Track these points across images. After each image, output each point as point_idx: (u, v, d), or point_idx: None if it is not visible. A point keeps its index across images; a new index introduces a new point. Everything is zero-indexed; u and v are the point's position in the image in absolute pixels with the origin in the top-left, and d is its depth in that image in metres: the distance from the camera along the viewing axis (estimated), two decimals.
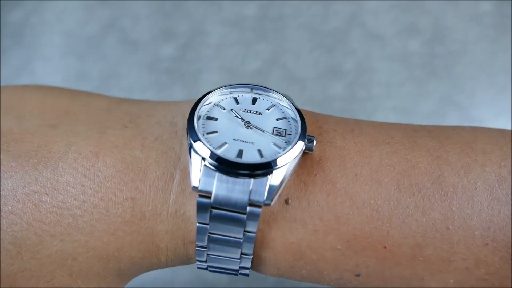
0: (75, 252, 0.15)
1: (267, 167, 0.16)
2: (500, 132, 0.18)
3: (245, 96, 0.18)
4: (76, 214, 0.15)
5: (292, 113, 0.18)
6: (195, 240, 0.16)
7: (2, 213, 0.15)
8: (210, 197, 0.15)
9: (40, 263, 0.15)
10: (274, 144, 0.17)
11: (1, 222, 0.15)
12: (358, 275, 0.17)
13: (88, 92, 0.20)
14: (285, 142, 0.17)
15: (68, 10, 0.52)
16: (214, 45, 0.49)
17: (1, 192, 0.15)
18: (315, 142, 0.17)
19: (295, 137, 0.17)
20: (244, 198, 0.15)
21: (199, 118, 0.17)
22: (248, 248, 0.17)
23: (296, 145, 0.16)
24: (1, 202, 0.15)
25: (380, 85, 0.47)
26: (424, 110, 0.45)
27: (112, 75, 0.49)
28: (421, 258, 0.16)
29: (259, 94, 0.19)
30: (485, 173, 0.16)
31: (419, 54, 0.47)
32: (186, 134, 0.16)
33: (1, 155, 0.16)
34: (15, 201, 0.16)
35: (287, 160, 0.16)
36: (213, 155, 0.15)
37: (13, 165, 0.16)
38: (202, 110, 0.17)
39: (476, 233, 0.16)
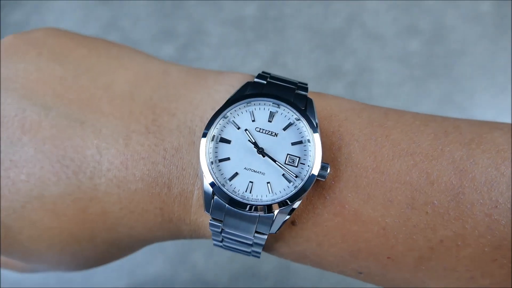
0: (123, 235, 0.19)
1: (272, 209, 0.16)
2: None
3: (262, 109, 0.17)
4: (119, 216, 0.18)
5: (309, 135, 0.17)
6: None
7: (57, 224, 0.18)
8: (221, 221, 0.17)
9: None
10: (285, 176, 0.16)
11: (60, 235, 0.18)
12: (360, 273, 0.17)
13: (113, 55, 0.20)
14: (296, 177, 0.16)
15: (68, 10, 0.52)
16: (214, 45, 0.49)
17: (49, 199, 0.17)
18: (328, 169, 0.16)
19: (307, 172, 0.16)
20: (249, 235, 0.17)
21: (212, 138, 0.17)
22: (257, 248, 0.18)
23: (308, 181, 0.16)
24: (52, 207, 0.17)
25: (380, 85, 0.47)
26: (424, 110, 0.45)
27: None
28: (424, 268, 0.16)
29: (278, 106, 0.17)
30: (510, 190, 0.15)
31: (419, 54, 0.47)
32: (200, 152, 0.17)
33: (41, 159, 0.17)
34: (65, 208, 0.17)
35: (295, 199, 0.16)
36: (222, 193, 0.16)
37: (56, 169, 0.17)
38: (217, 127, 0.17)
39: (486, 249, 0.15)
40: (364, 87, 0.47)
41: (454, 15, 0.48)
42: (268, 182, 0.16)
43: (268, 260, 0.42)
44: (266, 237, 0.17)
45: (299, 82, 0.19)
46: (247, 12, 0.50)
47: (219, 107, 0.17)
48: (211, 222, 0.17)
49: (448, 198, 0.16)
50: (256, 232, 0.17)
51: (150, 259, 0.43)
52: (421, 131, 0.17)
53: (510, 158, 0.16)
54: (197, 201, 0.18)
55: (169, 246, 0.43)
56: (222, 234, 0.17)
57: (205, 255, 0.43)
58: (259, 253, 0.18)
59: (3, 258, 0.22)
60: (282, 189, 0.16)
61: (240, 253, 0.19)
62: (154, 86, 0.19)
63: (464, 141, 0.16)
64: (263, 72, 0.19)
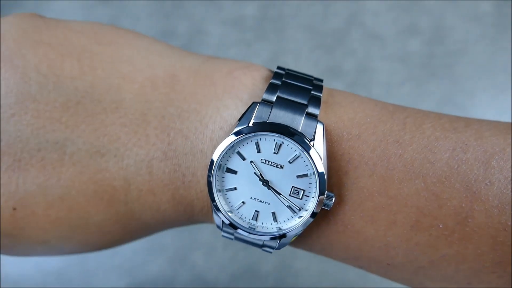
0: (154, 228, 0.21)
1: (278, 237, 0.18)
2: None
3: (267, 140, 0.17)
4: (156, 228, 0.21)
5: (314, 169, 0.16)
6: None
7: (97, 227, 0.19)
8: (232, 234, 0.19)
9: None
10: (289, 207, 0.17)
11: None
12: (361, 267, 0.19)
13: (110, 50, 0.19)
14: (300, 209, 0.17)
15: (68, 10, 0.52)
16: (214, 45, 0.49)
17: (93, 226, 0.19)
18: (333, 199, 0.16)
19: (311, 204, 0.17)
20: (257, 246, 0.19)
21: (219, 167, 0.17)
22: (268, 248, 0.20)
23: (308, 211, 0.17)
24: (98, 230, 0.19)
25: (380, 85, 0.47)
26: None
27: None
28: (423, 275, 0.16)
29: (284, 139, 0.17)
30: None
31: (419, 54, 0.47)
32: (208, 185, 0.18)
33: (75, 195, 0.18)
34: (109, 230, 0.19)
35: (299, 229, 0.17)
36: (233, 224, 0.18)
37: (93, 203, 0.19)
38: (223, 156, 0.17)
39: (486, 264, 0.15)
40: (364, 87, 0.47)
41: (454, 15, 0.48)
42: (273, 212, 0.17)
43: (268, 260, 0.42)
44: (272, 251, 0.19)
45: (314, 88, 0.18)
46: (247, 12, 0.50)
47: (226, 127, 0.17)
48: (223, 235, 0.19)
49: (454, 222, 0.15)
50: (264, 247, 0.19)
51: (150, 259, 0.43)
52: (439, 147, 0.16)
53: None
54: (214, 216, 0.19)
55: (169, 246, 0.43)
56: (235, 237, 0.19)
57: (205, 255, 0.43)
58: (271, 252, 0.20)
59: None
60: (286, 218, 0.17)
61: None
62: (163, 100, 0.18)
63: (483, 158, 0.15)
64: (275, 76, 0.18)
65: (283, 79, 0.18)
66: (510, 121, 0.44)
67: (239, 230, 0.18)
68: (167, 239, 0.43)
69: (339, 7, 0.50)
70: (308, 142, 0.16)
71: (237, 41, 0.49)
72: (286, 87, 0.18)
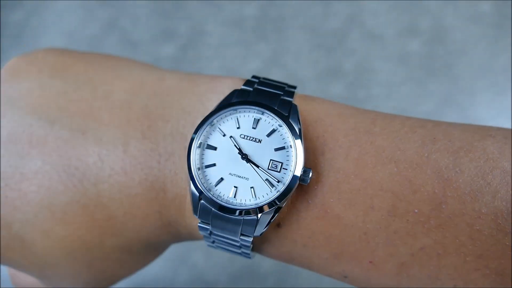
0: (131, 240, 0.20)
1: (256, 212, 0.17)
2: None
3: (246, 116, 0.18)
4: (123, 221, 0.19)
5: (292, 141, 0.17)
6: None
7: (70, 232, 0.19)
8: (208, 225, 0.18)
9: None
10: (268, 181, 0.17)
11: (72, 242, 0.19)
12: (345, 277, 0.18)
13: (110, 67, 0.21)
14: (278, 182, 0.17)
15: (68, 10, 0.52)
16: (214, 45, 0.49)
17: (58, 207, 0.18)
18: (311, 174, 0.17)
19: (289, 176, 0.17)
20: (235, 236, 0.17)
21: (199, 145, 0.18)
22: (245, 249, 0.19)
23: (289, 185, 0.17)
24: (62, 216, 0.18)
25: (380, 85, 0.47)
26: (424, 110, 0.45)
27: None
28: (406, 275, 0.16)
29: (262, 113, 0.18)
30: (496, 200, 0.15)
31: (418, 54, 0.47)
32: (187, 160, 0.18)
33: (49, 170, 0.18)
34: (74, 216, 0.18)
35: (277, 205, 0.17)
36: (207, 199, 0.17)
37: (63, 179, 0.18)
38: (202, 132, 0.18)
39: (468, 258, 0.15)
40: (364, 87, 0.47)
41: (454, 15, 0.49)
42: (251, 187, 0.17)
43: (268, 260, 0.42)
44: (251, 239, 0.17)
45: (288, 86, 0.19)
46: (247, 12, 0.50)
47: (208, 114, 0.18)
48: (199, 225, 0.18)
49: (429, 207, 0.16)
50: (241, 234, 0.17)
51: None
52: (408, 138, 0.17)
53: (499, 168, 0.15)
54: (190, 205, 0.18)
55: (170, 245, 0.43)
56: (212, 236, 0.18)
57: (205, 255, 0.43)
58: (249, 253, 0.19)
59: (17, 279, 0.23)
60: (265, 193, 0.17)
61: (231, 253, 0.19)
62: (149, 93, 0.20)
63: (452, 149, 0.16)
64: (252, 77, 0.19)
65: (260, 80, 0.19)
66: (509, 121, 0.44)
67: (215, 212, 0.17)
68: None
69: (339, 7, 0.50)
70: (284, 115, 0.17)
71: (237, 41, 0.49)
72: (263, 83, 0.19)
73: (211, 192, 0.17)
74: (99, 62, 0.21)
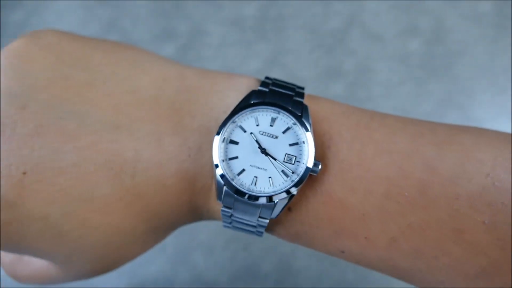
0: (161, 225, 0.22)
1: (273, 199, 0.20)
2: (505, 138, 0.20)
3: (264, 115, 0.20)
4: (157, 209, 0.20)
5: (304, 137, 0.20)
6: None
7: (110, 228, 0.20)
8: (231, 208, 0.20)
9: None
10: (283, 172, 0.20)
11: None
12: (343, 252, 0.21)
13: (132, 60, 0.22)
14: (292, 173, 0.20)
15: (68, 10, 0.52)
16: (214, 45, 0.49)
17: (97, 200, 0.19)
18: (320, 166, 0.19)
19: (303, 167, 0.20)
20: (254, 219, 0.20)
21: (223, 140, 0.20)
22: (260, 229, 0.21)
23: (303, 176, 0.19)
24: (100, 207, 0.19)
25: (380, 85, 0.47)
26: (424, 110, 0.45)
27: None
28: (394, 248, 0.19)
29: (279, 113, 0.21)
30: (471, 184, 0.18)
31: (418, 54, 0.47)
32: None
33: (86, 164, 0.19)
34: (111, 207, 0.19)
35: (292, 191, 0.19)
36: (232, 186, 0.19)
37: (100, 172, 0.19)
38: (227, 129, 0.20)
39: (447, 232, 0.18)
40: (364, 87, 0.47)
41: (454, 15, 0.49)
42: (269, 177, 0.20)
43: (268, 260, 0.42)
44: (267, 221, 0.20)
45: (297, 88, 0.22)
46: (247, 12, 0.50)
47: (229, 111, 0.20)
48: (223, 209, 0.20)
49: (417, 191, 0.19)
50: (260, 217, 0.20)
51: (150, 259, 0.43)
52: (400, 133, 0.20)
53: (474, 158, 0.19)
54: (215, 193, 0.20)
55: (169, 246, 0.43)
56: (231, 217, 0.21)
57: (205, 255, 0.43)
58: (262, 232, 0.22)
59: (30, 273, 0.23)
60: (281, 182, 0.20)
61: (245, 232, 0.22)
62: (174, 90, 0.21)
63: (436, 142, 0.19)
64: (266, 78, 0.22)
65: (273, 81, 0.22)
66: (509, 121, 0.44)
67: (238, 197, 0.20)
68: (166, 239, 0.43)
69: (339, 7, 0.50)
70: (298, 115, 0.20)
71: (237, 41, 0.49)
72: (276, 84, 0.21)
73: (234, 181, 0.20)
74: (118, 52, 0.22)
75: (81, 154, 0.19)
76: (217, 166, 0.20)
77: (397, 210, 0.19)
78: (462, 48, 0.47)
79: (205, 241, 0.43)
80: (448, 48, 0.47)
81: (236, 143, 0.20)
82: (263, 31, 0.49)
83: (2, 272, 0.43)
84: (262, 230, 0.21)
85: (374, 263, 0.21)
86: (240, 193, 0.19)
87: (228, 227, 0.22)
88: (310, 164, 0.19)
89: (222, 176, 0.19)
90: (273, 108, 0.20)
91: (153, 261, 0.43)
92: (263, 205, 0.20)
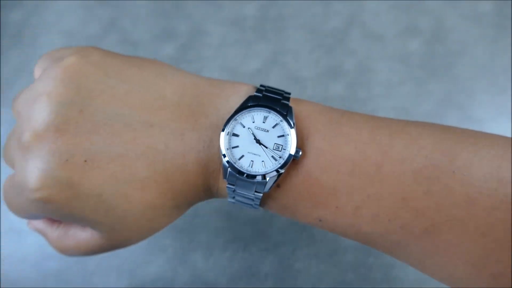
0: (183, 201, 0.28)
1: (265, 177, 0.26)
2: (442, 129, 0.26)
3: (260, 113, 0.27)
4: (181, 189, 0.27)
5: (288, 131, 0.26)
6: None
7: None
8: (234, 185, 0.26)
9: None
10: (273, 157, 0.26)
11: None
12: (320, 220, 0.26)
13: (158, 73, 0.28)
14: (280, 157, 0.26)
15: (68, 10, 0.52)
16: (214, 45, 0.49)
17: (139, 182, 0.25)
18: (300, 153, 0.25)
19: (287, 153, 0.26)
20: (251, 193, 0.27)
21: (227, 133, 0.26)
22: (257, 201, 0.27)
23: (287, 160, 0.25)
24: (142, 187, 0.25)
25: (380, 85, 0.47)
26: (424, 110, 0.45)
27: None
28: (359, 215, 0.25)
29: (269, 113, 0.27)
30: (414, 163, 0.24)
31: (419, 54, 0.47)
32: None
33: (130, 154, 0.25)
34: (150, 187, 0.26)
35: (279, 171, 0.25)
36: (234, 168, 0.26)
37: (140, 160, 0.25)
38: (230, 125, 0.26)
39: (396, 200, 0.24)
40: (364, 87, 0.47)
41: (455, 15, 0.49)
42: (262, 161, 0.26)
43: (268, 260, 0.42)
44: (261, 194, 0.26)
45: (285, 93, 0.28)
46: (247, 12, 0.50)
47: (232, 112, 0.26)
48: (228, 186, 0.27)
49: (374, 170, 0.24)
50: (255, 191, 0.26)
51: (150, 259, 0.43)
52: (363, 126, 0.26)
53: (417, 144, 0.24)
54: (222, 174, 0.27)
55: (169, 246, 0.43)
56: (234, 193, 0.27)
57: (205, 255, 0.43)
58: (258, 205, 0.28)
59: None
60: (271, 165, 0.26)
61: (246, 206, 0.28)
62: (191, 96, 0.27)
63: (389, 133, 0.25)
64: (261, 85, 0.28)
65: (266, 88, 0.28)
66: (510, 121, 0.44)
67: (239, 176, 0.26)
68: (166, 240, 0.43)
69: (339, 7, 0.50)
70: (284, 114, 0.26)
71: (237, 41, 0.49)
72: (268, 91, 0.28)
73: (236, 164, 0.26)
74: (148, 67, 0.28)
75: (125, 146, 0.25)
76: (224, 155, 0.26)
77: (359, 185, 0.25)
78: (462, 48, 0.47)
79: (205, 241, 0.43)
80: (448, 48, 0.47)
81: (237, 135, 0.26)
82: (263, 31, 0.49)
83: (2, 272, 0.43)
84: (258, 202, 0.27)
85: (344, 228, 0.26)
86: (241, 173, 0.26)
87: (233, 202, 0.28)
88: (293, 151, 0.25)
89: (227, 161, 0.26)
90: (266, 109, 0.27)
91: (153, 262, 0.43)
92: (257, 182, 0.26)
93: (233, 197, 0.28)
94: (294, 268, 0.42)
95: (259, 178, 0.26)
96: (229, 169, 0.26)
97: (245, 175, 0.26)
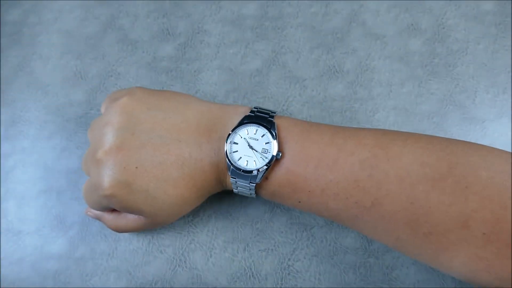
0: (203, 193, 0.38)
1: (257, 171, 0.35)
2: (383, 133, 0.33)
3: (252, 127, 0.36)
4: (202, 184, 0.36)
5: (272, 140, 0.35)
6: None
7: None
8: (235, 179, 0.35)
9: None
10: (261, 158, 0.35)
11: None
12: (299, 202, 0.35)
13: (184, 102, 0.37)
14: (266, 158, 0.35)
15: (67, 9, 0.52)
16: (214, 45, 0.49)
17: (172, 180, 0.35)
18: (280, 154, 0.34)
19: (270, 155, 0.35)
20: (247, 183, 0.35)
21: (230, 142, 0.35)
22: (252, 191, 0.36)
23: (271, 159, 0.35)
24: (174, 184, 0.35)
25: (381, 84, 0.46)
26: (425, 109, 0.45)
27: (110, 74, 0.49)
28: (324, 195, 0.33)
29: (259, 127, 0.36)
30: (360, 155, 0.32)
31: (419, 53, 0.47)
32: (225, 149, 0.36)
33: (167, 161, 0.35)
34: (180, 184, 0.36)
35: (266, 167, 0.35)
36: (235, 166, 0.35)
37: (173, 165, 0.35)
38: (231, 136, 0.36)
39: (349, 182, 0.32)
40: (364, 87, 0.46)
41: (455, 14, 0.48)
42: (254, 161, 0.35)
43: (268, 260, 0.42)
44: (254, 185, 0.35)
45: (272, 112, 0.36)
46: (247, 12, 0.50)
47: (233, 127, 0.36)
48: (231, 179, 0.36)
49: (332, 163, 0.33)
50: (250, 182, 0.35)
51: (150, 259, 0.43)
52: (326, 133, 0.34)
53: (363, 143, 0.32)
54: (227, 171, 0.36)
55: (169, 246, 0.43)
56: (236, 184, 0.36)
57: (204, 255, 0.43)
58: (254, 193, 0.36)
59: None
60: (260, 163, 0.35)
61: (246, 194, 0.37)
62: (206, 118, 0.37)
63: (344, 137, 0.33)
64: (254, 107, 0.37)
65: (257, 109, 0.37)
66: (510, 121, 0.44)
67: (239, 172, 0.35)
68: (165, 240, 0.43)
69: (339, 6, 0.50)
70: (268, 127, 0.35)
71: (237, 40, 0.49)
72: (259, 111, 0.37)
73: (236, 164, 0.35)
74: (174, 99, 0.37)
75: (163, 156, 0.34)
76: (227, 157, 0.35)
77: (322, 174, 0.33)
78: (464, 47, 0.47)
79: (205, 242, 0.43)
80: (449, 48, 0.47)
81: (236, 143, 0.36)
82: (263, 30, 0.49)
83: (2, 272, 0.43)
84: (253, 191, 0.36)
85: (316, 206, 0.34)
86: (240, 169, 0.35)
87: (236, 191, 0.37)
88: (275, 153, 0.34)
89: (230, 162, 0.35)
90: (256, 124, 0.36)
91: (153, 262, 0.43)
92: (251, 176, 0.35)
93: (236, 188, 0.37)
94: (294, 268, 0.42)
95: (254, 172, 0.35)
96: (231, 167, 0.35)
97: (242, 171, 0.35)
